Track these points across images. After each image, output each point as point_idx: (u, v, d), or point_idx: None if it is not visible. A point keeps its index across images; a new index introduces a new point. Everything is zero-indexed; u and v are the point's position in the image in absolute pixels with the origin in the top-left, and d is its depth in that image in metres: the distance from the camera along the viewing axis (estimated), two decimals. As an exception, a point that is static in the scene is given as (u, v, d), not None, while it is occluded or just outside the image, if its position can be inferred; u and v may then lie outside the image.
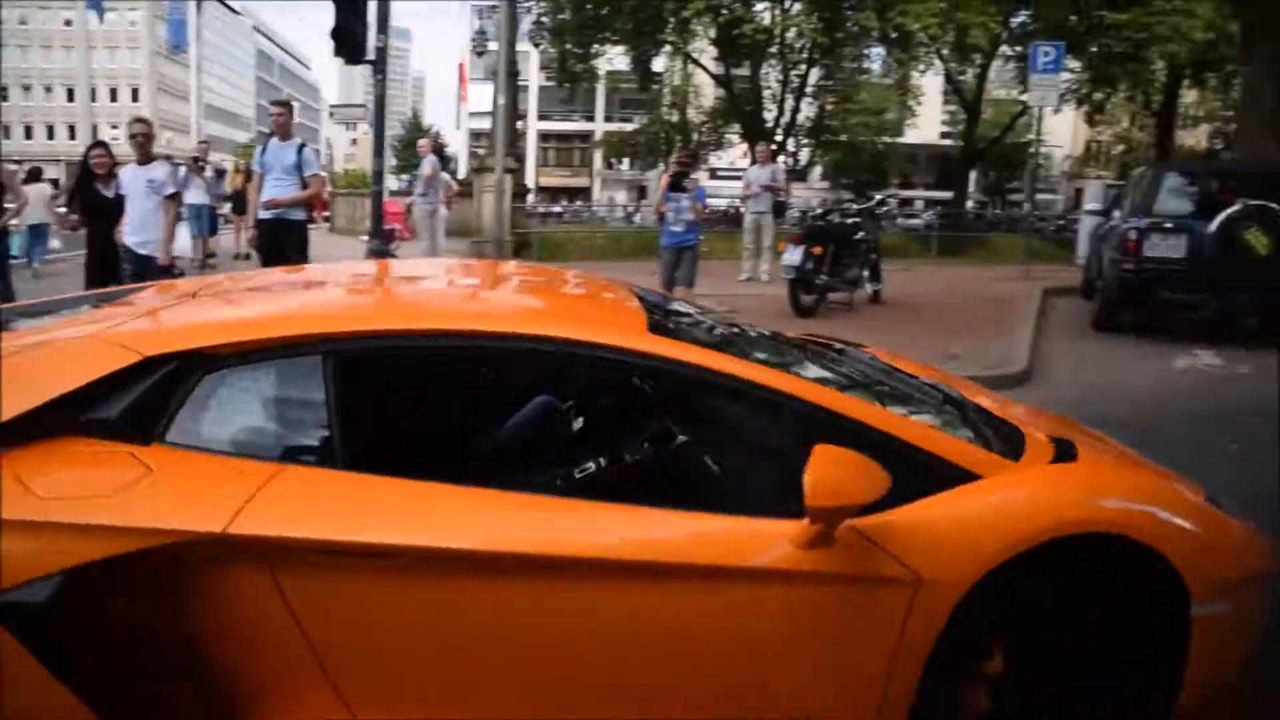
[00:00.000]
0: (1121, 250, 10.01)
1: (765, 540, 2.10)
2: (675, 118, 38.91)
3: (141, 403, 2.02)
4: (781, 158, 31.36)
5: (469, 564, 2.01)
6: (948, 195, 38.69)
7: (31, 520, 1.79)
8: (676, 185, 9.94)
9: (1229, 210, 9.35)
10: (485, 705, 2.09)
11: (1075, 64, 33.11)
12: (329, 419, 2.12)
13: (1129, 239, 9.94)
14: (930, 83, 36.46)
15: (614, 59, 30.45)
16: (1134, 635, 2.39)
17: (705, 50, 29.94)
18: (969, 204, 37.52)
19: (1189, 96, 42.19)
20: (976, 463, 2.35)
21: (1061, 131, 51.89)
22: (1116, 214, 11.31)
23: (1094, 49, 30.97)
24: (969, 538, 2.17)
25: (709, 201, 36.69)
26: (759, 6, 26.79)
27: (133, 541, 1.83)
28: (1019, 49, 26.50)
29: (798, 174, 39.33)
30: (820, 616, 2.14)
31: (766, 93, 29.92)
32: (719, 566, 2.09)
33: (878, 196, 14.89)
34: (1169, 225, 9.82)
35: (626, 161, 50.07)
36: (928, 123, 47.42)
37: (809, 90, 31.57)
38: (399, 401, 2.54)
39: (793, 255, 9.85)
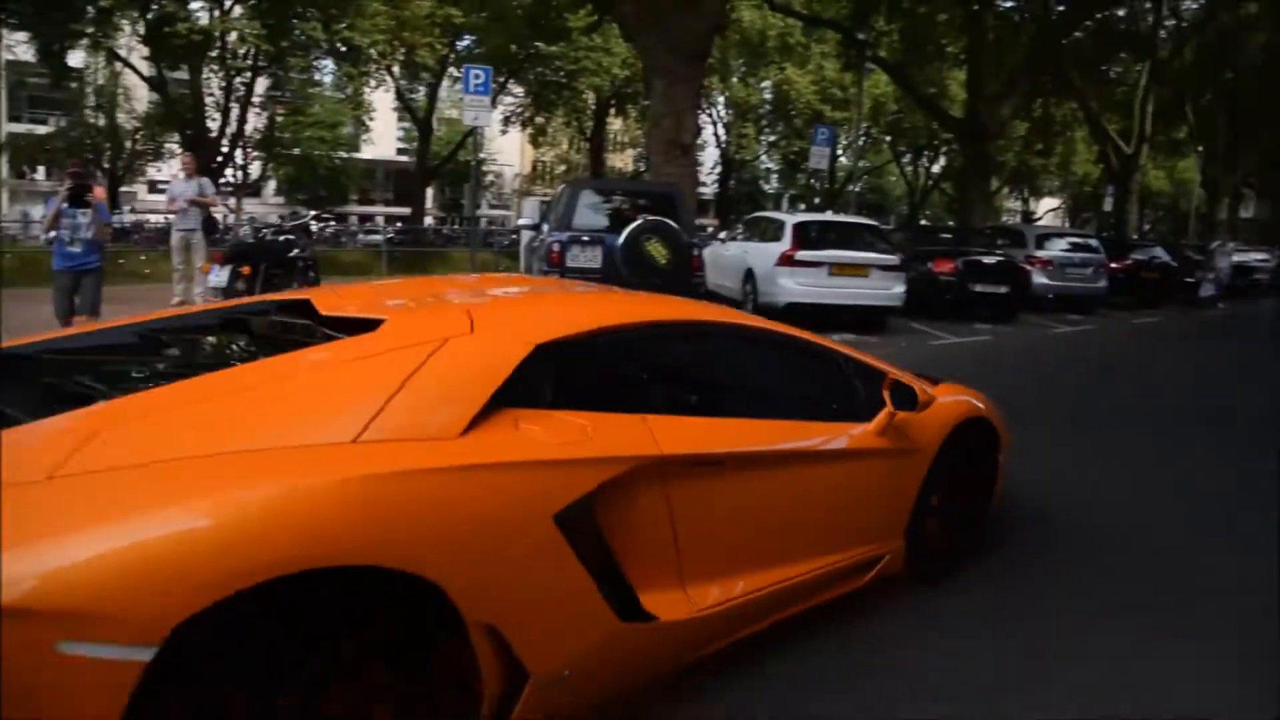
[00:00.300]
0: (548, 262, 10.65)
1: (854, 433, 3.44)
2: (103, 121, 34.60)
3: (538, 379, 2.61)
4: (229, 170, 29.45)
5: (753, 462, 3.06)
6: (406, 211, 39.13)
7: (559, 460, 2.42)
8: (76, 200, 8.61)
9: (633, 224, 10.36)
10: (760, 558, 3.07)
11: (520, 89, 35.46)
12: (648, 382, 3.08)
13: (553, 251, 10.61)
14: (384, 99, 36.60)
15: (17, 47, 26.35)
16: (974, 474, 4.14)
17: (136, 48, 27.05)
18: (428, 220, 38.26)
19: (616, 123, 47.10)
20: (917, 386, 3.58)
21: (512, 151, 55.23)
22: (545, 227, 12.03)
23: (532, 76, 33.37)
24: (932, 424, 3.71)
25: (149, 219, 33.41)
26: (195, 5, 24.82)
27: (620, 467, 2.52)
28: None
29: (250, 188, 37.23)
30: (883, 474, 3.56)
31: (209, 100, 27.85)
32: (847, 450, 3.41)
33: (312, 211, 14.33)
34: (586, 238, 10.65)
35: (42, 170, 43.36)
36: (384, 139, 47.63)
37: (256, 100, 30.00)
38: (671, 366, 3.29)
39: (218, 276, 9.06)
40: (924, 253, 15.52)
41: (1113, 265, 18.96)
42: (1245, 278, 26.38)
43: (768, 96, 44.38)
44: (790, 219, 13.24)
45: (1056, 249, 18.39)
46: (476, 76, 14.32)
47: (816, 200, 47.66)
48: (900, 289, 12.69)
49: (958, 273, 14.76)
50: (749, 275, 13.10)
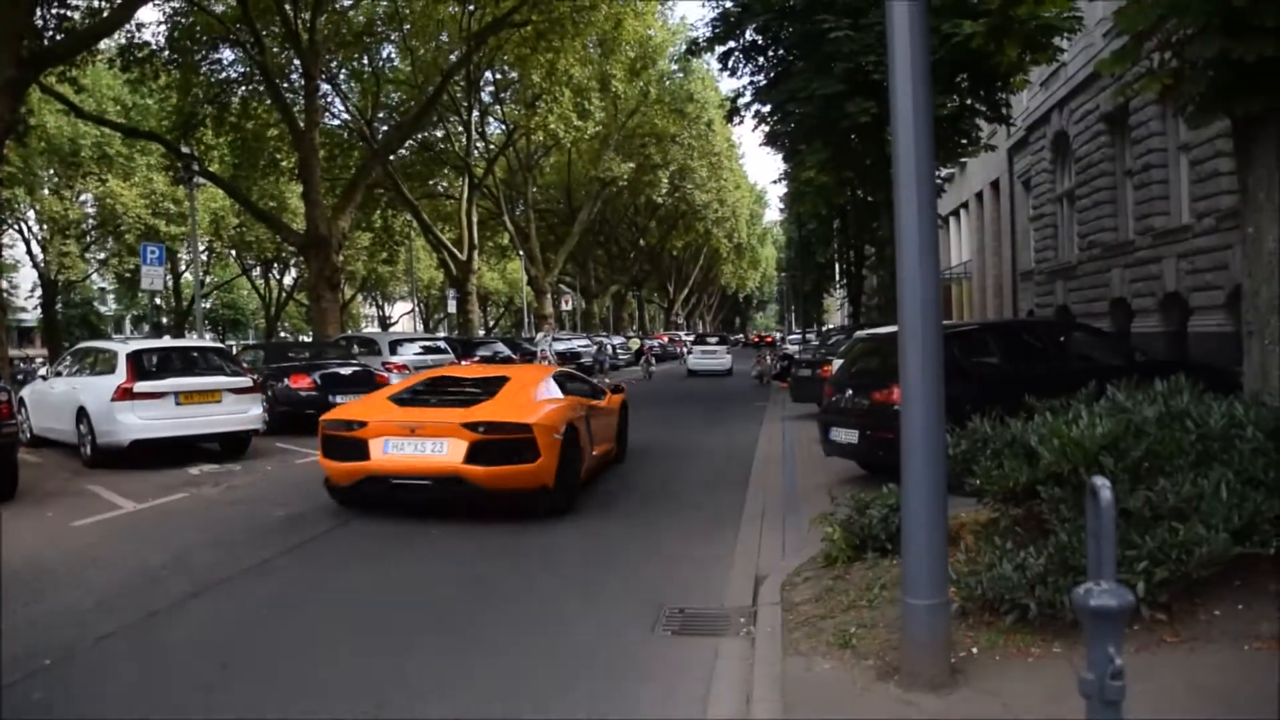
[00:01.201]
0: None
1: (606, 400, 11.02)
2: None
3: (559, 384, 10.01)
4: None
5: (598, 410, 10.33)
6: None
7: (581, 403, 10.06)
8: None
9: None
10: (600, 442, 10.13)
11: None
12: (567, 386, 10.29)
13: None
14: None
15: None
16: (624, 420, 12.36)
17: None
18: None
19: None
20: (619, 384, 13.39)
21: None
22: None
23: None
24: (618, 399, 11.65)
25: None
26: None
27: (585, 407, 9.76)
28: None
29: None
30: (613, 416, 11.21)
31: None
32: (606, 408, 10.93)
33: None
34: None
35: None
36: None
37: None
38: (565, 384, 10.53)
39: None
40: (281, 369, 15.18)
41: (464, 362, 20.39)
42: (574, 361, 30.27)
43: (90, 210, 40.52)
44: (123, 349, 11.95)
45: (410, 353, 19.30)
46: None
47: (165, 320, 44.38)
48: (257, 410, 12.23)
49: (317, 386, 14.66)
50: (82, 414, 11.56)
